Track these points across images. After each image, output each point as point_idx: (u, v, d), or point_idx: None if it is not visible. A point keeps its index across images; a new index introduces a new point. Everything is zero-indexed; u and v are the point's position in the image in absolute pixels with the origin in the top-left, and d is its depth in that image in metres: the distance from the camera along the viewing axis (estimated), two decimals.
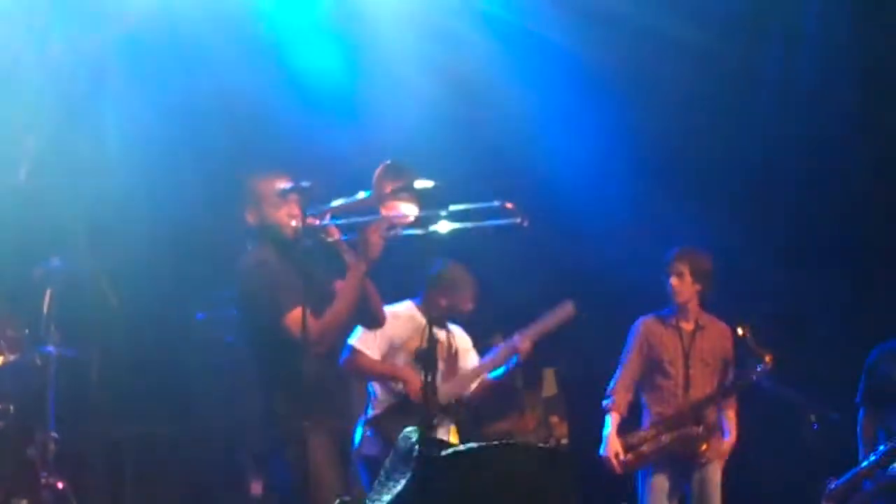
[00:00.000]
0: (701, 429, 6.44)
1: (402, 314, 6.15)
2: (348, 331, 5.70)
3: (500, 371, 6.36)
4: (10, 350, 6.58)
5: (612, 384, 6.65)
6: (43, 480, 6.42)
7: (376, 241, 4.94)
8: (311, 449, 4.83)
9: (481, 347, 6.53)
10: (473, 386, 6.35)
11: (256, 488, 7.45)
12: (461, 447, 4.60)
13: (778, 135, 7.99)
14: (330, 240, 5.07)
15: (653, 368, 6.60)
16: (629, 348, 6.67)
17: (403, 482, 5.46)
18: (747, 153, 8.02)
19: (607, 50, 7.70)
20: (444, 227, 4.89)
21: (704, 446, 6.46)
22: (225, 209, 5.36)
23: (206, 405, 7.54)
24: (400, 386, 6.08)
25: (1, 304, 6.78)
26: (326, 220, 5.04)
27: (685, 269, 6.54)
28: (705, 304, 6.68)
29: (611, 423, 6.56)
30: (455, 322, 6.45)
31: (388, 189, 4.91)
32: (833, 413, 6.58)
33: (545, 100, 7.79)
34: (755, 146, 8.04)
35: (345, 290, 5.01)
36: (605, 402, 6.62)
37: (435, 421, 5.89)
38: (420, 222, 4.90)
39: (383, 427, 6.07)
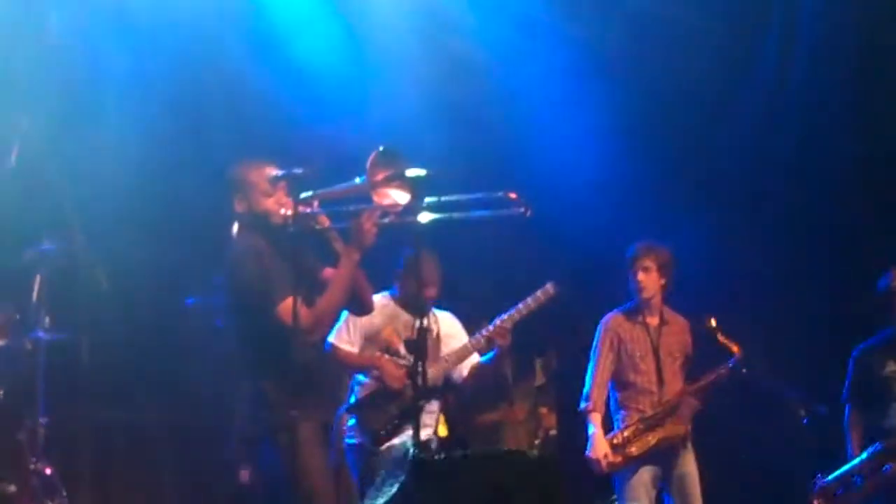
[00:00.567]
0: (687, 428, 6.43)
1: (376, 304, 6.17)
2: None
3: (488, 356, 6.34)
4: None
5: (587, 385, 6.57)
6: (32, 466, 6.40)
7: (369, 228, 4.93)
8: (301, 436, 4.84)
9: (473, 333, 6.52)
10: (460, 368, 6.32)
11: (245, 475, 7.45)
12: (455, 454, 4.67)
13: (771, 124, 8.01)
14: (320, 228, 5.06)
15: (625, 364, 6.55)
16: (598, 346, 6.60)
17: (397, 486, 5.52)
18: (739, 143, 8.04)
19: (604, 36, 7.72)
20: (441, 216, 4.89)
21: (687, 443, 6.47)
22: (216, 194, 5.35)
23: (196, 391, 7.53)
24: (377, 373, 6.10)
25: None
26: (316, 208, 5.03)
27: (651, 264, 6.51)
28: (667, 299, 6.64)
29: (594, 423, 6.50)
30: (444, 308, 6.46)
31: (380, 177, 4.90)
32: (820, 406, 6.58)
33: (541, 86, 7.81)
34: (747, 138, 8.06)
35: (338, 278, 5.00)
36: (582, 405, 6.55)
37: (420, 403, 5.91)
38: (413, 210, 4.88)
39: (363, 413, 6.09)
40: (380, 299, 6.18)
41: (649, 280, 6.52)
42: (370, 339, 6.18)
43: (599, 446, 6.43)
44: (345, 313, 5.76)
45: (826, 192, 7.84)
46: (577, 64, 7.79)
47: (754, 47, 8.00)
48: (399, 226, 4.99)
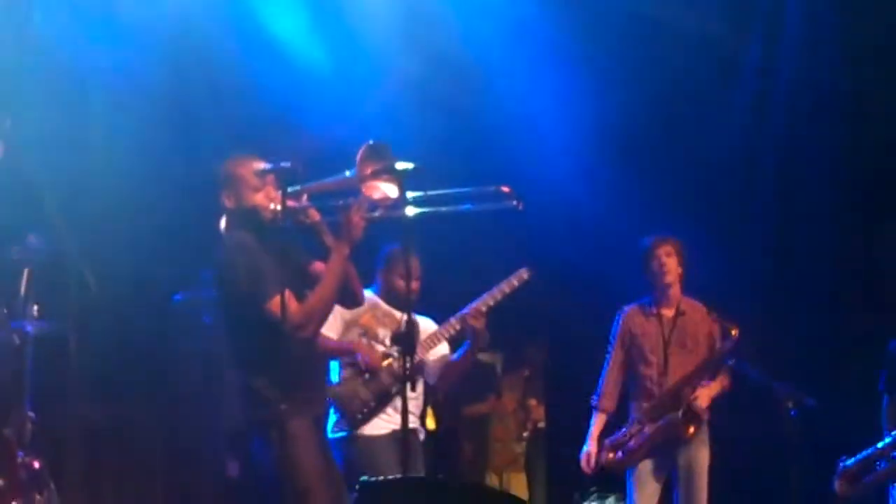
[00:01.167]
0: (681, 413, 6.44)
1: None
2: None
3: (459, 352, 6.30)
4: None
5: (600, 381, 6.65)
6: (19, 460, 6.38)
7: (358, 221, 4.92)
8: (291, 431, 4.84)
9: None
10: (432, 364, 6.27)
11: (233, 469, 7.45)
12: (409, 476, 4.72)
13: (758, 122, 8.02)
14: (309, 221, 5.05)
15: (635, 358, 6.59)
16: (613, 342, 6.67)
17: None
18: (727, 139, 8.05)
19: (590, 33, 7.72)
20: (431, 210, 4.89)
21: (691, 429, 6.45)
22: (204, 190, 5.33)
23: (184, 385, 7.53)
24: (356, 357, 6.09)
25: None
26: (304, 202, 5.02)
27: (672, 249, 6.56)
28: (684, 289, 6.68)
29: (594, 423, 6.59)
30: (426, 307, 6.44)
31: (369, 170, 4.89)
32: (808, 399, 6.60)
33: (528, 84, 7.82)
34: (735, 132, 8.08)
35: (329, 272, 4.98)
36: (593, 400, 6.65)
37: (393, 390, 5.96)
38: (402, 203, 4.88)
39: (340, 398, 6.07)
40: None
41: (673, 264, 6.55)
42: (350, 324, 6.15)
43: (589, 447, 6.55)
44: None
45: (815, 187, 7.87)
46: (564, 62, 7.79)
47: (741, 47, 8.01)
48: (388, 219, 4.98)
